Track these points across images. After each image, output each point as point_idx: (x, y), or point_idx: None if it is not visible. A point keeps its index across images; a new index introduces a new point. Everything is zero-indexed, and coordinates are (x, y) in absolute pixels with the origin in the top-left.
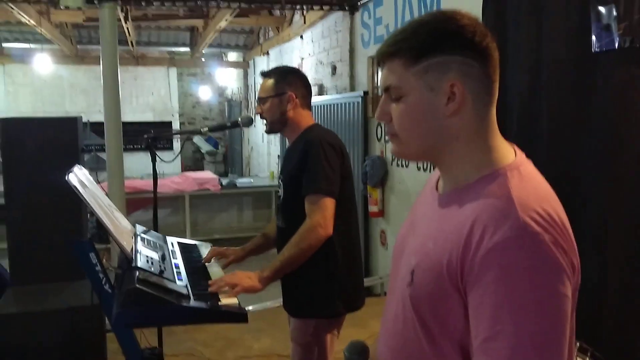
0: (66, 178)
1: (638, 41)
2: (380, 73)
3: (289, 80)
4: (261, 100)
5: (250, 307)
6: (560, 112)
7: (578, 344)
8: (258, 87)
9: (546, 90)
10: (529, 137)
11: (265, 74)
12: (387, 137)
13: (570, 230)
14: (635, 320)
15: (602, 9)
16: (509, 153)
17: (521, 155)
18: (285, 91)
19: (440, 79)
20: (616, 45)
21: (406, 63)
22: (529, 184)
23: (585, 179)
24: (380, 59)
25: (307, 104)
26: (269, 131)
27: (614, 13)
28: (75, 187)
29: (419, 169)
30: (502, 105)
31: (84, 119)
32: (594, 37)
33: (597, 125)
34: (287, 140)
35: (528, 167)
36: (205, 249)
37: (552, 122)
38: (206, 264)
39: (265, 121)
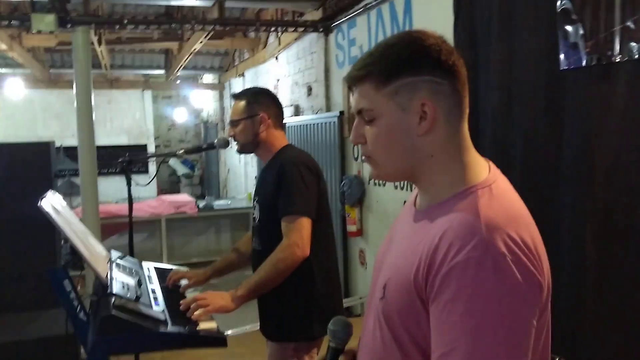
0: (39, 204)
1: (604, 59)
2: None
3: (260, 101)
4: (233, 123)
5: (229, 332)
6: (532, 128)
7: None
8: None
9: (518, 107)
10: (502, 153)
11: (236, 96)
12: (363, 159)
13: (541, 249)
14: (614, 336)
15: (569, 27)
16: (482, 169)
17: (495, 171)
18: (257, 112)
19: (411, 98)
20: (583, 63)
21: (377, 86)
22: (499, 203)
23: (558, 194)
24: (350, 83)
25: (280, 124)
26: (240, 151)
27: (581, 32)
28: (48, 213)
29: (396, 187)
30: (475, 123)
31: (57, 144)
32: (562, 56)
33: (567, 140)
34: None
35: (501, 185)
36: None
37: (525, 138)
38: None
39: (237, 142)
